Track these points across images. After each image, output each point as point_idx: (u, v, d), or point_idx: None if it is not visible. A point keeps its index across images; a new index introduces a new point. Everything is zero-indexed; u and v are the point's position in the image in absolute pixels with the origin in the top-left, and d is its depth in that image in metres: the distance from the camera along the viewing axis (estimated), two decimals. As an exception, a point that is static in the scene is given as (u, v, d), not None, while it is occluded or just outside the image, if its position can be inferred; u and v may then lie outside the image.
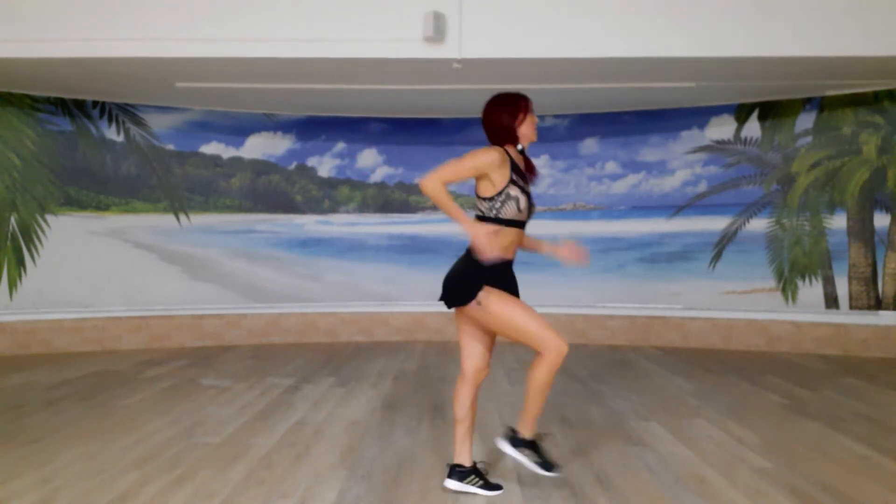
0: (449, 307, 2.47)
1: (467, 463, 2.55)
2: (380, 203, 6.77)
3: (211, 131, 6.32)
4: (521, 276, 2.60)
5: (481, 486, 2.52)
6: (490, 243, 2.25)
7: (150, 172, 6.13)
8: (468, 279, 2.38)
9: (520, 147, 2.47)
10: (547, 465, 2.48)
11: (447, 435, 3.28)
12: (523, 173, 2.44)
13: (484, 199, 2.39)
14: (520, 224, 2.42)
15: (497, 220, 2.37)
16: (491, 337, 2.55)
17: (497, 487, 2.54)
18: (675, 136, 6.27)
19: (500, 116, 2.43)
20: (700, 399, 4.06)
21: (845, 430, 3.37)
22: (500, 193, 2.35)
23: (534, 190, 2.52)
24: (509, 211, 2.36)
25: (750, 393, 4.23)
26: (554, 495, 2.52)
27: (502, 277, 2.44)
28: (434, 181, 2.27)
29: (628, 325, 6.20)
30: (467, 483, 2.52)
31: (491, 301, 2.35)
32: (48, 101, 5.70)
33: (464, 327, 2.53)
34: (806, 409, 3.79)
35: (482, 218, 2.40)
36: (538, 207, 6.88)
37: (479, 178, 2.37)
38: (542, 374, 2.37)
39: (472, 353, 2.53)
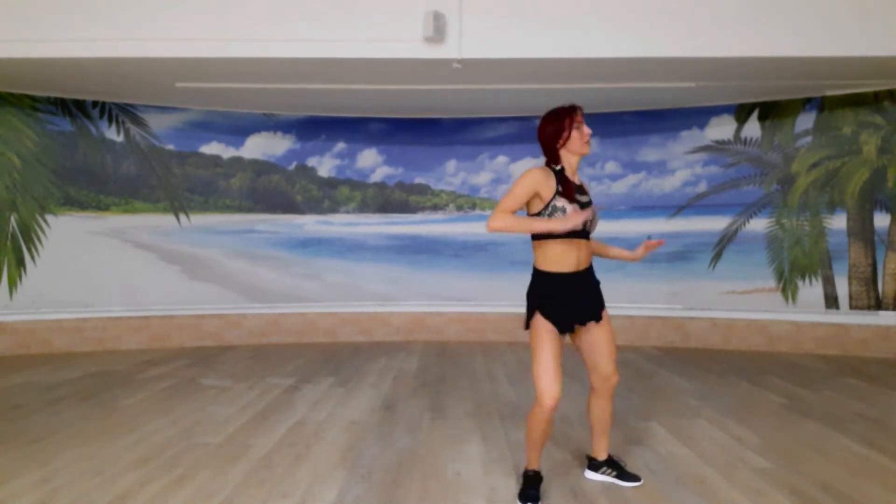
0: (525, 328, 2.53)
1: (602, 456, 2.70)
2: (380, 203, 6.77)
3: (211, 131, 6.32)
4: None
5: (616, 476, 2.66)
6: (579, 217, 2.23)
7: (150, 172, 6.13)
8: (528, 303, 2.47)
9: (559, 167, 2.41)
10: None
11: (447, 435, 3.29)
12: (572, 186, 2.40)
13: (533, 215, 2.39)
14: (574, 235, 2.37)
15: (547, 235, 2.37)
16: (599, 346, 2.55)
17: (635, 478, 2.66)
18: (675, 136, 6.27)
19: (544, 131, 2.43)
20: (700, 399, 4.06)
21: (845, 430, 3.37)
22: (546, 206, 2.35)
23: None
24: None
25: (750, 393, 4.23)
26: (554, 495, 2.52)
27: (562, 295, 2.40)
28: (496, 220, 2.30)
29: (628, 325, 6.20)
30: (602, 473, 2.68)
31: (533, 327, 2.41)
32: (48, 101, 5.70)
33: (575, 343, 2.59)
34: (806, 409, 3.79)
35: (534, 236, 2.42)
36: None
37: (531, 198, 2.38)
38: (529, 418, 2.47)
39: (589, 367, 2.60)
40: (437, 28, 4.38)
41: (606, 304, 2.61)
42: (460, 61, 4.56)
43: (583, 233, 2.40)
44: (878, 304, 5.59)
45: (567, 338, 2.50)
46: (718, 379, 4.66)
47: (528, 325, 2.46)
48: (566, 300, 2.41)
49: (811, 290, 5.81)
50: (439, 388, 4.37)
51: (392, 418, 3.61)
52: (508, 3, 4.56)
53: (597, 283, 2.57)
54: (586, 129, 2.42)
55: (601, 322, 2.52)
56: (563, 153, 2.42)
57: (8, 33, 4.44)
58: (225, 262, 6.38)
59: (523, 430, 3.35)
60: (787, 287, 5.89)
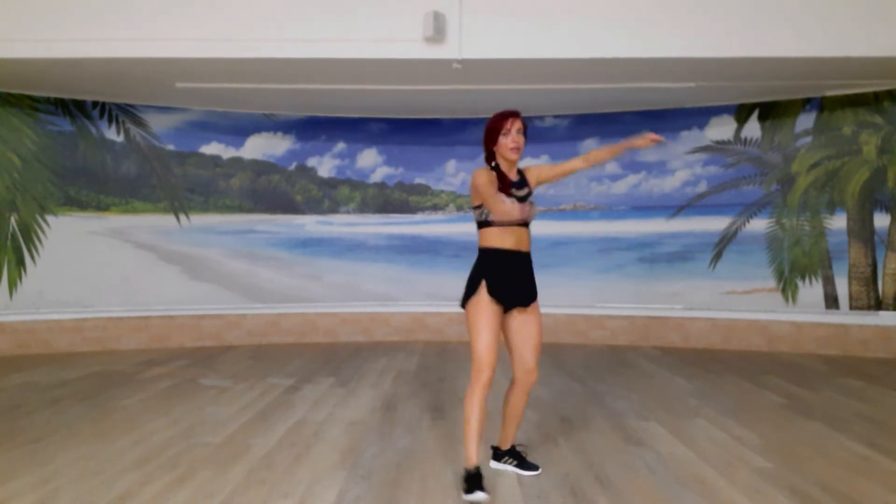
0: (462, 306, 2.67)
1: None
2: (380, 203, 6.77)
3: (211, 131, 6.32)
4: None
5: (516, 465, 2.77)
6: (516, 210, 2.45)
7: (150, 172, 6.13)
8: (473, 280, 2.62)
9: (494, 164, 2.63)
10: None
11: (447, 435, 3.29)
12: (508, 181, 2.61)
13: (473, 208, 2.67)
14: (513, 224, 2.56)
15: (487, 223, 2.60)
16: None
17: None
18: (675, 136, 6.26)
19: (485, 130, 2.63)
20: (700, 399, 4.06)
21: (845, 430, 3.37)
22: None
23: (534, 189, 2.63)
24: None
25: (750, 393, 4.23)
26: (554, 495, 2.52)
27: (506, 273, 2.57)
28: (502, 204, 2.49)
29: (628, 325, 6.20)
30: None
31: (473, 302, 2.56)
32: (48, 101, 5.70)
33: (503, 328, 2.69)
34: (806, 409, 3.79)
35: (478, 224, 2.66)
36: (539, 208, 6.85)
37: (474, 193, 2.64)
38: (467, 394, 2.55)
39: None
40: (437, 28, 4.39)
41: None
42: (460, 61, 4.56)
43: (522, 222, 2.58)
44: (878, 304, 5.59)
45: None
46: (718, 379, 4.66)
47: (464, 304, 2.61)
48: (509, 281, 2.57)
49: (811, 290, 5.81)
50: (439, 388, 4.37)
51: (392, 418, 3.61)
52: (508, 3, 4.56)
53: (532, 272, 2.66)
54: (514, 138, 2.55)
55: (530, 311, 2.62)
56: (497, 153, 2.61)
57: (8, 33, 4.44)
58: (225, 262, 6.38)
59: (524, 430, 3.35)
60: (787, 287, 5.89)
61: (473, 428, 2.49)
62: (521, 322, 2.62)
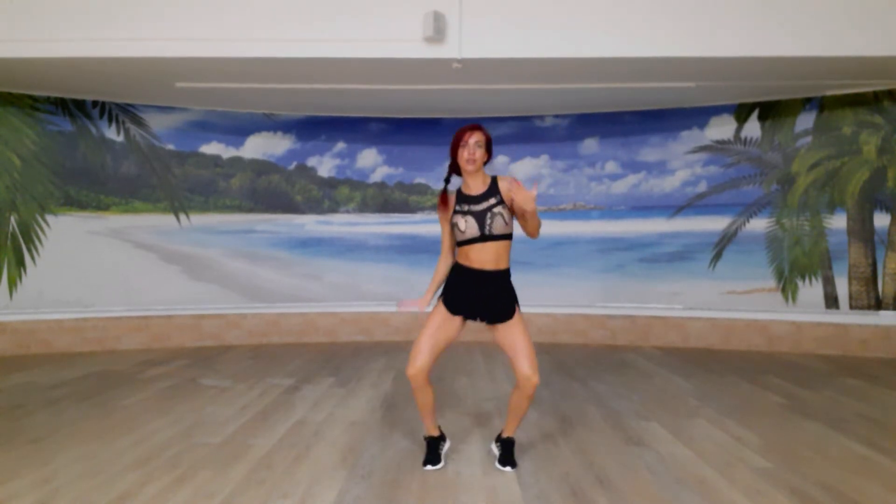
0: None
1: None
2: (380, 203, 6.77)
3: (211, 131, 6.32)
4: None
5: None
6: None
7: (150, 172, 6.13)
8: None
9: (456, 189, 2.75)
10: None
11: (447, 434, 3.28)
12: (468, 197, 2.69)
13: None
14: (474, 240, 2.65)
15: (459, 244, 2.73)
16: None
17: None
18: (675, 136, 6.26)
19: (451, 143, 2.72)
20: (700, 399, 4.06)
21: (845, 430, 3.37)
22: (451, 225, 2.73)
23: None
24: (457, 235, 2.71)
25: (750, 393, 4.23)
26: (554, 495, 2.52)
27: (463, 288, 2.74)
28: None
29: (628, 325, 6.21)
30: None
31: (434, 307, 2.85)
32: (48, 101, 5.70)
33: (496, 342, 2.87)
34: (806, 409, 3.79)
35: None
36: (537, 207, 6.84)
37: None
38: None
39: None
40: (437, 28, 4.39)
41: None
42: (460, 61, 4.56)
43: (482, 237, 2.65)
44: (878, 304, 5.59)
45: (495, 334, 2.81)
46: (718, 379, 4.66)
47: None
48: (467, 295, 2.73)
49: (811, 290, 5.81)
50: (439, 387, 4.36)
51: (392, 418, 3.61)
52: (508, 3, 4.56)
53: (504, 288, 2.74)
54: (470, 150, 2.63)
55: (513, 324, 2.70)
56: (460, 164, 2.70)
57: (8, 33, 4.44)
58: (225, 262, 6.38)
59: (524, 429, 3.36)
60: (787, 287, 5.89)
61: (418, 406, 2.87)
62: (510, 336, 2.71)
